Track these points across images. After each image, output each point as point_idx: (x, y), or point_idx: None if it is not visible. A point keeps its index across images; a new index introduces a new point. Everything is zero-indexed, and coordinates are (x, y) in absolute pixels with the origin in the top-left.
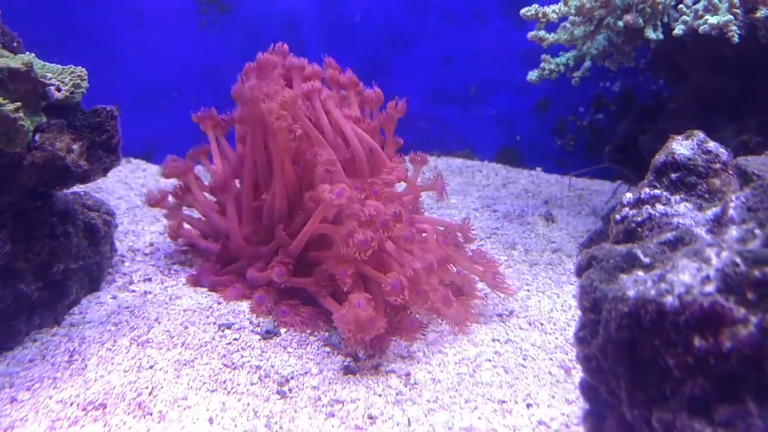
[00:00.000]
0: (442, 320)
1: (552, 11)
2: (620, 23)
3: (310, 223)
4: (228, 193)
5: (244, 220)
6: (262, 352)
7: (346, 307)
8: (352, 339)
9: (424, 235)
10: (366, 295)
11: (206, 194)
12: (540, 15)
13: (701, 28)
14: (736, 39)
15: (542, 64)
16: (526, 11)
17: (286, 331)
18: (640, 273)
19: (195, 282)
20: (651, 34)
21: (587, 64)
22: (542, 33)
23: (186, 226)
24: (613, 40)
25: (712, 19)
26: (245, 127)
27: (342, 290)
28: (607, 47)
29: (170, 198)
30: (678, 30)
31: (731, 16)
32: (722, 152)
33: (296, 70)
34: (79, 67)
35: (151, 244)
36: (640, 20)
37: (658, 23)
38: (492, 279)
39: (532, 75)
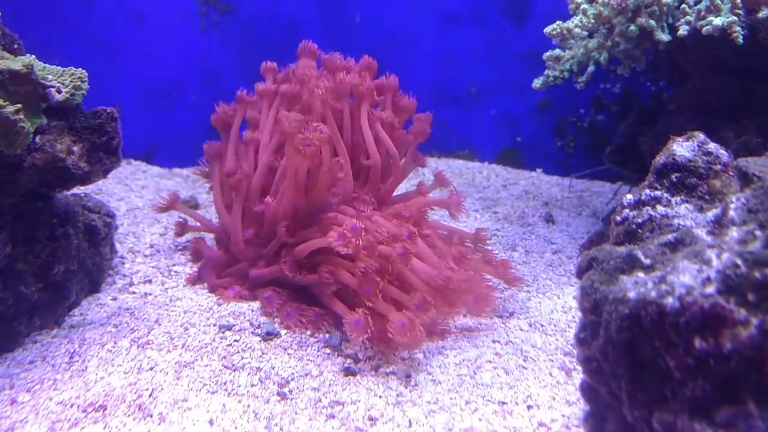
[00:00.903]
0: (442, 320)
1: (575, 26)
2: (633, 28)
3: (318, 240)
4: (238, 193)
5: (247, 222)
6: (263, 353)
7: (390, 325)
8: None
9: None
10: (408, 315)
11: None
12: (564, 32)
13: (704, 29)
14: (740, 40)
15: (546, 71)
16: (551, 30)
17: (286, 333)
18: (641, 274)
19: (195, 280)
20: (662, 36)
21: (591, 68)
22: (557, 52)
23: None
24: (623, 45)
25: (717, 21)
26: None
27: (349, 290)
28: (613, 53)
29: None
30: (682, 31)
31: (735, 17)
32: (723, 153)
33: (340, 69)
34: (80, 69)
35: (151, 246)
36: (653, 22)
37: (665, 24)
38: (505, 273)
39: (537, 83)
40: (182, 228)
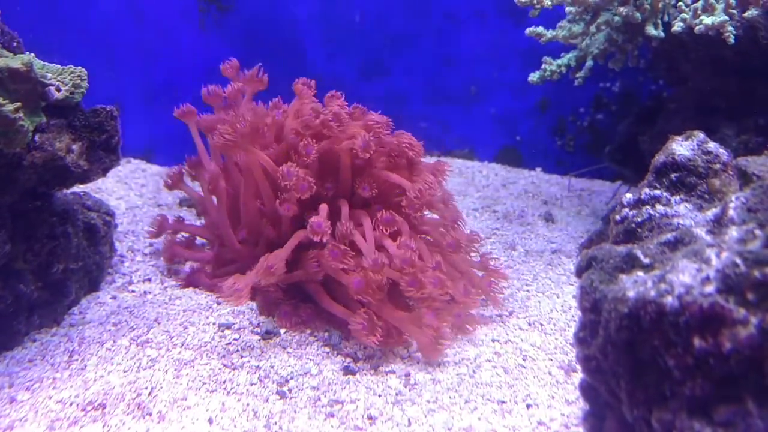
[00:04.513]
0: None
1: None
2: (618, 19)
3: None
4: (220, 198)
5: (242, 222)
6: (262, 352)
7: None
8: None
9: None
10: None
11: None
12: (535, 1)
13: (697, 28)
14: (731, 39)
15: (543, 66)
16: None
17: (285, 332)
18: (640, 273)
19: (188, 284)
20: (652, 30)
21: (589, 63)
22: (540, 29)
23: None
24: (614, 38)
25: (707, 20)
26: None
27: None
28: (608, 46)
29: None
30: (677, 27)
31: (726, 17)
32: (722, 153)
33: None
34: (79, 67)
35: (151, 245)
36: (637, 14)
37: (659, 21)
38: (487, 286)
39: (534, 76)
40: (160, 227)
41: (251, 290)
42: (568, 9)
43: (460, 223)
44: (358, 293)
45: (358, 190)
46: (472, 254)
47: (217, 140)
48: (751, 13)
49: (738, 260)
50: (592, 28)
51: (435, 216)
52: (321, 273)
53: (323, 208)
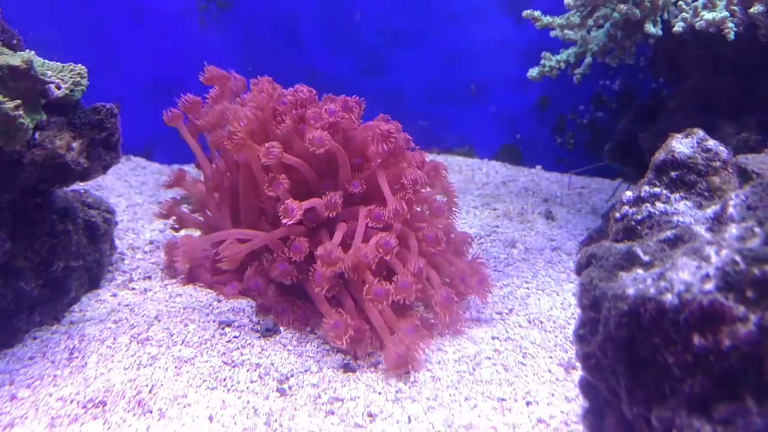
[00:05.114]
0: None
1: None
2: (616, 15)
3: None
4: (223, 196)
5: (242, 220)
6: (262, 349)
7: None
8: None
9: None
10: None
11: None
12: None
13: (697, 24)
14: (731, 36)
15: (542, 61)
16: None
17: (285, 329)
18: (640, 271)
19: (189, 282)
20: (651, 28)
21: (588, 60)
22: (537, 13)
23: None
24: (612, 33)
25: (708, 15)
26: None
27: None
28: (607, 43)
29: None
30: (678, 27)
31: (727, 13)
32: (722, 150)
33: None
34: (79, 65)
35: (151, 242)
36: (636, 11)
37: (658, 19)
38: (477, 286)
39: (533, 72)
40: (170, 209)
41: (242, 289)
42: (566, 1)
43: (449, 218)
44: (316, 285)
45: (347, 187)
46: (463, 256)
47: (230, 142)
48: (757, 9)
49: (737, 258)
50: (590, 21)
51: None
52: (279, 270)
53: (315, 200)
